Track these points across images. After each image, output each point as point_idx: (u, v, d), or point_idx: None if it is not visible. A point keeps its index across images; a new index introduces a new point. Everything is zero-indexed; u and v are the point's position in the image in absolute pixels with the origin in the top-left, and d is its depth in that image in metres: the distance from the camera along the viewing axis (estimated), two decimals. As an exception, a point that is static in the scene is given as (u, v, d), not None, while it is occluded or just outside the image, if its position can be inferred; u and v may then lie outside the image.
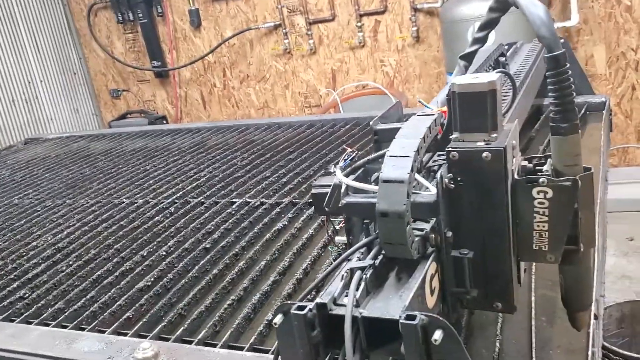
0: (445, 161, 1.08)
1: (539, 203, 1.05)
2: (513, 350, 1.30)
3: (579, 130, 1.05)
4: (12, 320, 1.78)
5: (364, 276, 1.01)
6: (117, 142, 3.99)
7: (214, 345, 1.46)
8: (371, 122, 1.28)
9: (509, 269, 1.09)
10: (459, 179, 1.07)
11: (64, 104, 6.74)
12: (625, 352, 2.23)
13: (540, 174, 1.05)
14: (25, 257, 2.24)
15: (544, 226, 1.05)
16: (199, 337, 1.51)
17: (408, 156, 1.01)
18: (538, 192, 1.04)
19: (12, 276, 2.09)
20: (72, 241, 2.32)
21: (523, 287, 1.49)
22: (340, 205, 1.15)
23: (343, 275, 1.03)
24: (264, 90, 6.03)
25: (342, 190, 1.13)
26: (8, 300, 1.91)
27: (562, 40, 2.88)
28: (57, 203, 2.85)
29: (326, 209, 1.24)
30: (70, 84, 6.85)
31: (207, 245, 2.06)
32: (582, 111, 2.82)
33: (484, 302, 1.13)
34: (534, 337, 1.30)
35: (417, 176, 1.12)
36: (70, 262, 2.12)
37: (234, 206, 2.39)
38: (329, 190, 1.20)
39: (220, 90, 6.24)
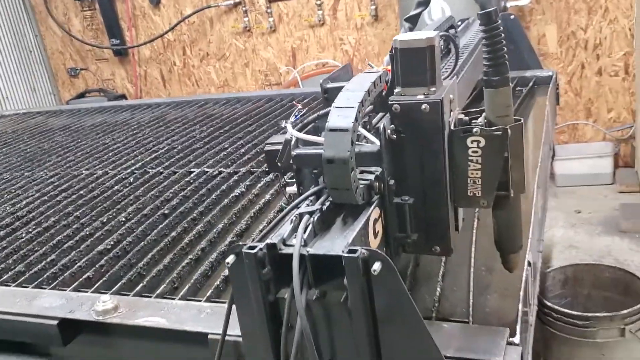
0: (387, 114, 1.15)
1: (472, 152, 1.13)
2: (453, 295, 1.39)
3: (510, 83, 1.13)
4: (-28, 283, 1.80)
5: (312, 219, 1.09)
6: (76, 118, 3.97)
7: (172, 299, 1.52)
8: (321, 81, 1.35)
9: (446, 215, 1.18)
10: (400, 130, 1.15)
11: (20, 83, 6.61)
12: (565, 310, 2.37)
13: (474, 124, 1.13)
14: (-17, 226, 2.25)
15: (477, 173, 1.14)
16: (158, 292, 1.57)
17: (352, 107, 1.08)
18: (472, 142, 1.13)
19: (-30, 243, 2.10)
20: (31, 210, 2.34)
21: (465, 240, 1.60)
22: (290, 158, 1.21)
23: (292, 219, 1.10)
24: (224, 68, 6.03)
25: (292, 143, 1.20)
26: (-33, 265, 1.93)
27: (512, 17, 3.00)
28: (15, 176, 2.85)
29: (279, 164, 1.31)
30: (26, 62, 6.71)
31: (166, 212, 2.11)
32: (530, 84, 2.94)
33: (424, 246, 1.22)
34: (472, 283, 1.39)
35: (362, 130, 1.19)
36: (30, 230, 2.14)
37: (192, 175, 2.44)
38: (281, 147, 1.27)
39: (180, 68, 6.21)
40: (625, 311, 2.32)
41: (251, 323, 1.09)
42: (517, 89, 2.96)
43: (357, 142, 1.17)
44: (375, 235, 1.14)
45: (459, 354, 1.11)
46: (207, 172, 2.46)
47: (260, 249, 1.03)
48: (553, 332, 2.43)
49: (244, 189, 2.21)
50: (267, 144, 1.38)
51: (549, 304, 2.42)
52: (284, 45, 5.79)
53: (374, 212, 1.13)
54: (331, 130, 1.06)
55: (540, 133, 2.22)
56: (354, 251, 0.96)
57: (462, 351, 1.12)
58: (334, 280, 1.03)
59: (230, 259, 1.05)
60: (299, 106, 1.32)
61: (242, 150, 2.67)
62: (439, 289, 1.39)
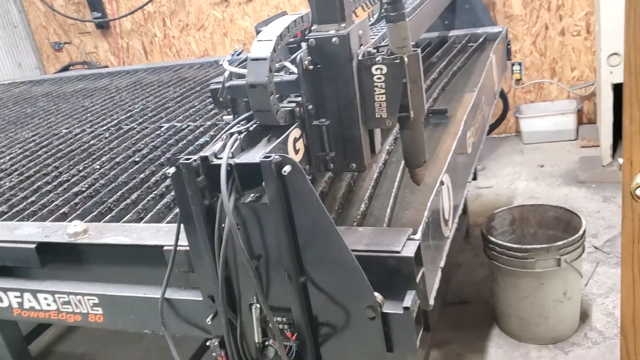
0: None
1: (377, 78, 1.33)
2: (377, 212, 1.60)
3: (406, 18, 1.32)
4: (-40, 222, 2.00)
5: (239, 138, 1.29)
6: (58, 86, 4.14)
7: (135, 223, 1.73)
8: (256, 24, 1.54)
9: (359, 134, 1.38)
10: (317, 61, 1.34)
11: (6, 58, 6.73)
12: (507, 244, 2.59)
13: (378, 54, 1.33)
14: (-31, 178, 2.44)
15: (382, 97, 1.34)
16: (124, 220, 1.78)
17: (271, 40, 1.28)
18: (376, 69, 1.33)
19: (-43, 192, 2.30)
20: (14, 163, 2.53)
21: (395, 170, 1.80)
22: (225, 90, 1.41)
23: (223, 137, 1.30)
24: (203, 38, 6.17)
25: (226, 76, 1.40)
26: (-45, 209, 2.12)
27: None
28: (0, 137, 3.04)
29: (220, 99, 1.51)
30: (11, 38, 6.82)
31: (137, 159, 2.30)
32: (481, 40, 3.13)
33: (342, 164, 1.42)
34: (391, 200, 1.60)
35: (285, 63, 1.39)
36: (12, 179, 2.34)
37: (162, 129, 2.63)
38: (222, 85, 1.46)
39: (161, 39, 6.34)
40: (560, 243, 2.54)
41: (192, 225, 1.30)
42: (468, 44, 3.16)
43: (279, 74, 1.38)
44: (296, 152, 1.35)
45: (366, 247, 1.32)
46: (176, 126, 2.65)
47: (195, 161, 1.24)
48: (498, 265, 2.65)
49: (207, 139, 2.41)
50: (211, 82, 1.58)
51: (492, 239, 2.63)
52: (261, 14, 5.92)
53: (294, 131, 1.34)
54: (252, 59, 1.26)
55: (478, 81, 2.42)
56: (269, 157, 1.17)
57: (369, 245, 1.33)
58: (257, 186, 1.23)
59: (171, 170, 1.26)
60: (236, 46, 1.51)
61: (210, 107, 2.85)
62: (363, 207, 1.59)
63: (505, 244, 2.62)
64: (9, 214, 1.99)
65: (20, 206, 2.04)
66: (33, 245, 1.66)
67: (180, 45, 6.31)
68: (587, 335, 2.78)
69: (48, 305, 1.67)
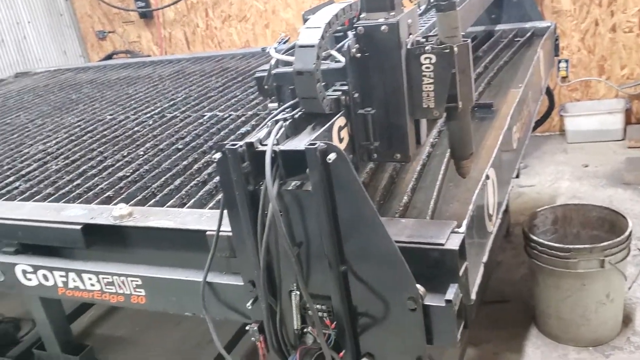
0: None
1: (425, 68, 1.31)
2: (420, 204, 1.58)
3: (456, 8, 1.29)
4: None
5: (284, 125, 1.29)
6: (102, 73, 4.21)
7: (179, 208, 1.75)
8: (303, 12, 1.54)
9: (405, 124, 1.37)
10: (364, 49, 1.33)
11: (52, 45, 6.89)
12: (549, 243, 2.53)
13: (427, 44, 1.31)
14: (18, 160, 2.51)
15: (430, 87, 1.32)
16: (167, 204, 1.80)
17: (319, 27, 1.27)
18: (425, 59, 1.31)
19: (7, 173, 2.36)
20: (60, 147, 2.59)
21: (439, 163, 1.78)
22: (271, 77, 1.41)
23: (268, 124, 1.30)
24: (245, 29, 6.20)
25: (273, 63, 1.40)
26: (5, 190, 2.19)
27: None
28: (46, 121, 3.11)
29: (265, 87, 1.51)
30: (57, 26, 6.98)
31: (180, 146, 2.33)
32: (529, 35, 3.06)
33: (386, 154, 1.41)
34: (435, 193, 1.58)
35: (332, 51, 1.39)
36: (59, 162, 2.40)
37: (205, 118, 2.66)
38: (267, 73, 1.46)
39: (203, 30, 6.40)
40: (604, 243, 2.47)
41: (235, 211, 1.30)
42: (515, 39, 3.10)
43: (326, 62, 1.37)
44: (341, 141, 1.34)
45: (409, 238, 1.31)
46: (218, 115, 2.67)
47: (241, 146, 1.24)
48: (539, 264, 2.60)
49: (249, 128, 2.42)
50: (256, 71, 1.58)
51: (534, 237, 2.58)
52: (303, 5, 5.92)
53: (339, 120, 1.33)
54: (300, 46, 1.26)
55: (525, 76, 2.37)
56: (314, 144, 1.17)
57: (412, 237, 1.32)
58: (301, 173, 1.23)
59: (217, 155, 1.27)
60: (283, 34, 1.51)
61: (252, 97, 2.87)
62: (406, 199, 1.58)
63: (547, 242, 2.56)
64: (56, 195, 2.04)
65: (67, 189, 2.09)
66: (79, 227, 1.70)
67: (222, 36, 6.36)
68: (630, 339, 2.71)
69: (92, 285, 1.70)
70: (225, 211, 1.35)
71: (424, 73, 1.32)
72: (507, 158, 1.91)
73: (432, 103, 1.34)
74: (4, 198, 2.10)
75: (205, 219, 1.61)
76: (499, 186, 1.74)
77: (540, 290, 2.71)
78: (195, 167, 2.09)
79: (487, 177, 1.59)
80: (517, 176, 3.41)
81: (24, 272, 1.80)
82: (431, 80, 1.32)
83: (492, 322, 2.92)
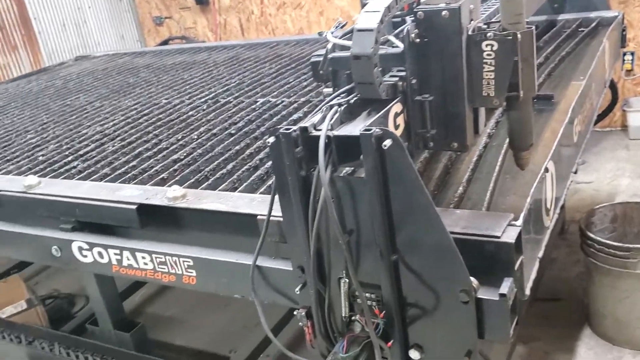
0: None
1: (487, 55, 1.27)
2: (475, 196, 1.55)
3: (520, -7, 1.25)
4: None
5: (339, 110, 1.27)
6: (159, 58, 4.29)
7: (231, 192, 1.76)
8: (361, -2, 1.51)
9: (463, 112, 1.33)
10: (424, 34, 1.30)
11: (110, 30, 7.07)
12: (607, 241, 2.44)
13: (489, 30, 1.27)
14: (77, 141, 2.58)
15: (491, 75, 1.28)
16: (220, 188, 1.81)
17: (378, 11, 1.25)
18: (486, 45, 1.27)
19: (66, 153, 2.43)
20: (117, 129, 2.65)
21: (494, 154, 1.73)
22: (327, 62, 1.40)
23: (323, 109, 1.29)
24: (299, 17, 6.21)
25: (329, 47, 1.38)
26: (64, 169, 2.25)
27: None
28: (104, 104, 3.18)
29: (320, 72, 1.50)
30: (116, 10, 7.15)
31: (232, 132, 2.35)
32: (594, 25, 2.95)
33: (442, 142, 1.38)
34: (491, 185, 1.54)
35: (390, 37, 1.36)
36: (115, 144, 2.45)
37: (257, 104, 2.67)
38: (323, 58, 1.45)
39: (258, 17, 6.44)
40: (667, 244, 2.37)
41: (286, 196, 1.30)
42: (579, 29, 2.99)
43: (384, 46, 1.34)
44: (396, 127, 1.31)
45: (464, 230, 1.28)
46: (271, 101, 2.67)
47: (295, 131, 1.23)
48: (595, 263, 2.51)
49: (301, 115, 2.41)
50: (312, 56, 1.56)
51: (591, 235, 2.49)
52: (358, -6, 5.88)
53: (396, 106, 1.30)
54: (358, 30, 1.24)
55: (588, 67, 2.28)
56: (369, 130, 1.15)
57: (467, 228, 1.28)
58: (355, 159, 1.21)
59: (271, 139, 1.26)
60: (340, 19, 1.49)
61: (305, 84, 2.86)
62: (461, 189, 1.54)
63: (605, 241, 2.48)
64: (112, 176, 2.09)
65: (122, 169, 2.13)
66: (134, 207, 1.73)
67: (276, 23, 6.38)
68: (690, 345, 2.60)
69: (145, 264, 1.73)
70: (276, 196, 1.35)
71: (484, 60, 1.28)
72: (567, 152, 1.85)
73: (492, 91, 1.30)
74: (62, 177, 2.16)
75: (257, 203, 1.61)
76: (558, 180, 1.68)
77: (596, 289, 2.63)
78: (247, 152, 2.09)
79: (546, 170, 1.53)
80: (575, 172, 3.31)
81: (80, 248, 1.85)
82: (492, 68, 1.28)
83: (543, 319, 2.85)
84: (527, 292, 1.33)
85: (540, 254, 1.50)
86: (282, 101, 2.64)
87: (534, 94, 1.33)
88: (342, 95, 1.34)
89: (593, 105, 2.35)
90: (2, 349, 2.64)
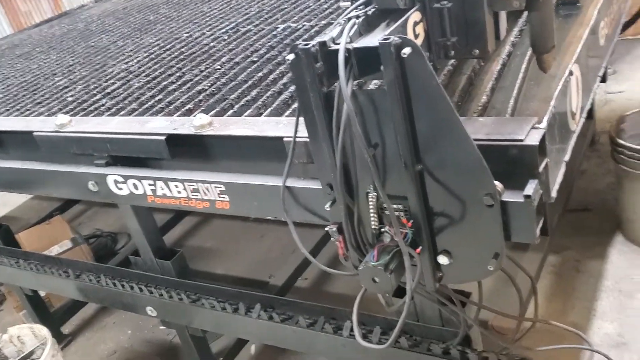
0: None
1: (505, -46, 1.24)
2: (500, 104, 1.53)
3: None
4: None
5: (357, 22, 1.27)
6: (177, -7, 4.24)
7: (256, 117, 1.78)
8: None
9: (483, 17, 1.31)
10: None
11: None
12: (637, 147, 2.41)
13: None
14: (103, 80, 2.62)
15: (510, -25, 1.25)
16: (245, 114, 1.84)
17: None
18: (504, -56, 1.23)
19: (94, 92, 2.48)
20: (141, 66, 2.67)
21: (518, 62, 1.71)
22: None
23: (341, 22, 1.28)
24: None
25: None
26: (93, 107, 2.30)
27: None
28: (127, 42, 3.20)
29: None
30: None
31: (254, 59, 2.35)
32: None
33: (463, 50, 1.36)
34: (515, 92, 1.53)
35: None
36: (140, 80, 2.48)
37: (278, 29, 2.65)
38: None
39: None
40: (700, 146, 2.33)
41: (310, 115, 1.31)
42: None
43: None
44: (416, 37, 1.30)
45: (487, 136, 1.28)
46: (292, 26, 2.65)
47: (313, 46, 1.23)
48: (625, 170, 2.49)
49: (323, 37, 2.39)
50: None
51: (621, 142, 2.46)
52: None
53: (414, 14, 1.29)
54: (373, -61, 1.21)
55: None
56: (387, 39, 1.14)
57: (490, 134, 1.29)
58: (376, 71, 1.22)
59: (290, 56, 1.27)
60: None
61: (325, 6, 2.82)
62: (485, 99, 1.53)
63: (635, 147, 2.44)
64: (139, 110, 2.13)
65: (149, 104, 2.17)
66: (163, 137, 1.77)
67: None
68: None
69: (179, 192, 1.79)
70: (301, 118, 1.36)
71: (503, -40, 1.24)
72: (593, 54, 1.81)
73: (512, -7, 1.27)
74: (92, 114, 2.21)
75: (282, 126, 1.63)
76: (584, 84, 1.66)
77: (627, 196, 2.62)
78: (271, 78, 2.10)
79: (571, 73, 1.51)
80: (604, 81, 3.22)
81: (116, 182, 1.92)
82: (511, -32, 1.24)
83: (574, 230, 2.87)
84: (554, 194, 1.34)
85: (567, 157, 1.50)
86: (303, 25, 2.62)
87: (555, -7, 1.30)
88: (360, 7, 1.33)
89: (621, 7, 2.27)
90: (52, 284, 2.79)
